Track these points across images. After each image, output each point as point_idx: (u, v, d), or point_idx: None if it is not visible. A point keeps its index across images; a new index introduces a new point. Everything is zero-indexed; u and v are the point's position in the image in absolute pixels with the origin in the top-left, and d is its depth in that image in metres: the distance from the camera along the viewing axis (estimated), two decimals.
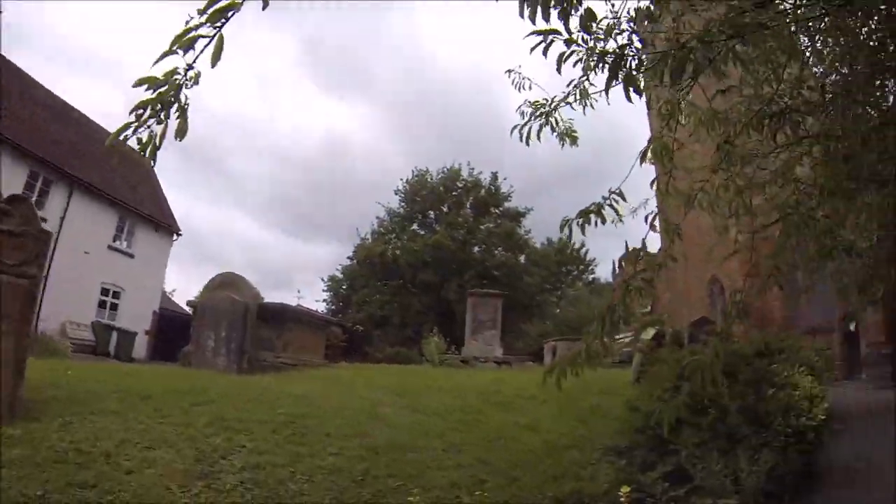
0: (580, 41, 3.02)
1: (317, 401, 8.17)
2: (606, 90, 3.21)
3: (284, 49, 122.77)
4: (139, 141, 2.06)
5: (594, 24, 2.90)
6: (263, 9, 1.92)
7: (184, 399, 7.42)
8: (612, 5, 3.77)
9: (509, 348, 24.05)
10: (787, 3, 4.09)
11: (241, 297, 12.65)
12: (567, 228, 3.45)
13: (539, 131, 4.09)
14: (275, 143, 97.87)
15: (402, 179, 40.40)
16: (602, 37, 3.29)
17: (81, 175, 23.83)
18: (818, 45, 5.24)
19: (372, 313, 34.79)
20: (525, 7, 2.67)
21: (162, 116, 2.03)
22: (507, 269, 36.52)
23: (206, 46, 1.93)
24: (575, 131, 4.57)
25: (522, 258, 39.56)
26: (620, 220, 3.67)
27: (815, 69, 5.08)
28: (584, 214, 3.38)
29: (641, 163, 3.45)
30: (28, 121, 22.61)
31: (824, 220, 4.39)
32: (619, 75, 3.01)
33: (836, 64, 5.18)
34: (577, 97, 3.97)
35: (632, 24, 3.45)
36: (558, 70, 3.00)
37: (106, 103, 76.26)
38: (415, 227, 39.65)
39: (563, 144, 4.58)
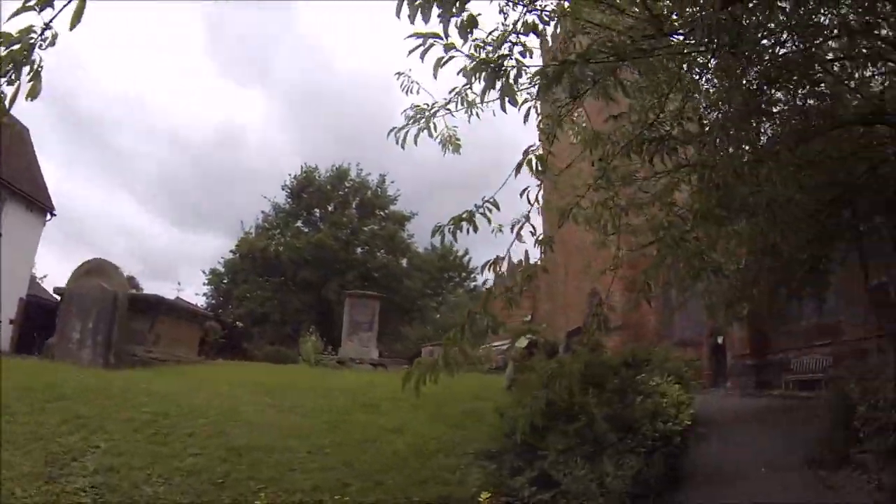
0: (461, 48, 2.92)
1: (183, 399, 7.79)
2: (482, 99, 3.15)
3: (190, 33, 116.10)
4: None
5: (474, 31, 2.80)
6: None
7: (36, 396, 6.85)
8: (505, 17, 3.75)
9: (388, 351, 24.12)
10: (677, 38, 4.24)
11: (111, 285, 11.75)
12: (439, 235, 3.40)
13: (417, 136, 3.99)
14: (170, 127, 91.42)
15: (290, 175, 39.72)
16: (483, 45, 3.21)
17: None
18: (703, 82, 5.52)
19: (252, 309, 34.10)
20: (403, 7, 2.54)
21: (13, 77, 1.92)
22: (389, 272, 36.65)
23: (65, 5, 1.81)
24: (458, 139, 4.56)
25: (404, 262, 39.81)
26: (500, 230, 3.65)
27: (700, 103, 5.31)
28: (457, 222, 3.35)
29: (517, 174, 3.43)
30: None
31: (695, 242, 4.59)
32: (497, 84, 2.94)
33: (718, 101, 5.47)
34: (460, 104, 3.90)
35: (520, 36, 3.39)
36: (434, 75, 2.89)
37: None
38: (299, 223, 39.02)
39: (445, 151, 4.58)
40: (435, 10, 2.60)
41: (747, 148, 7.35)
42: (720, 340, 20.90)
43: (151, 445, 5.95)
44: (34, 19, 1.84)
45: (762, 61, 5.94)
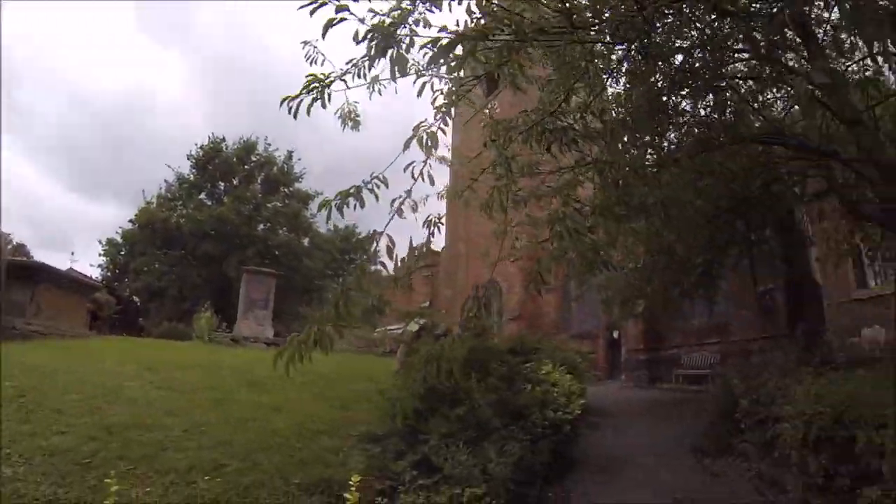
0: (354, 11, 2.75)
1: (56, 374, 7.28)
2: (370, 66, 3.00)
3: None
4: None
5: None
6: None
7: None
8: None
9: (286, 330, 23.73)
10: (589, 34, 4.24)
11: None
12: (326, 209, 3.26)
13: (310, 107, 3.79)
14: (75, 85, 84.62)
15: (196, 144, 37.63)
16: (380, 14, 3.04)
17: None
18: (610, 80, 5.60)
19: (149, 283, 32.35)
20: None
21: None
22: (290, 250, 35.62)
23: None
24: (358, 115, 4.45)
25: (306, 241, 38.67)
26: (409, 215, 3.56)
27: (606, 100, 5.38)
28: (344, 196, 3.23)
29: (404, 149, 3.33)
30: None
31: (590, 236, 4.64)
32: (389, 53, 2.80)
33: (624, 100, 5.57)
34: (358, 77, 3.72)
35: (421, 4, 3.25)
36: (323, 35, 2.73)
37: None
38: (203, 196, 37.17)
39: (344, 127, 4.46)
40: None
41: (649, 151, 7.61)
42: (616, 335, 21.81)
43: (13, 423, 5.50)
44: None
45: (670, 66, 6.11)
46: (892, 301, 16.52)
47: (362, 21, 2.86)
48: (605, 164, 4.98)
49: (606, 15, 4.23)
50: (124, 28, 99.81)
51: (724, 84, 9.07)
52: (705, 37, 6.70)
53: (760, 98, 10.30)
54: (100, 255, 36.39)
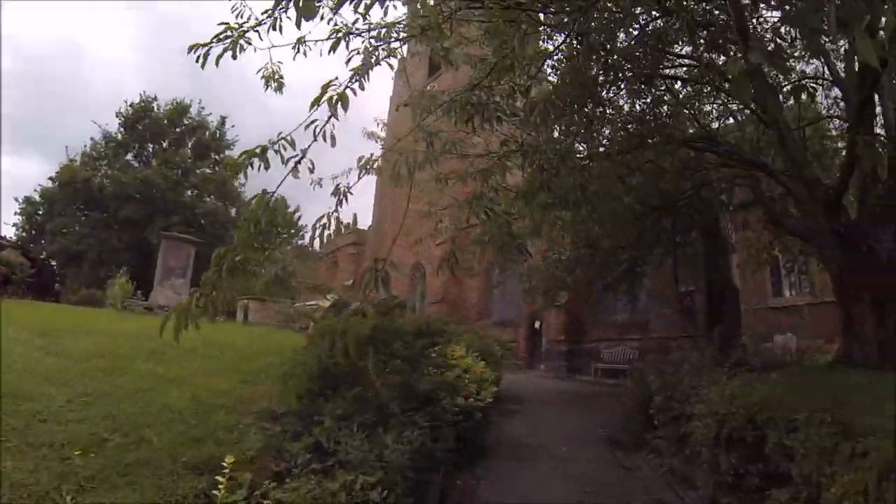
0: None
1: None
2: (274, 9, 2.73)
3: None
4: None
5: None
6: None
7: None
8: None
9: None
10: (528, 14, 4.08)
11: None
12: (233, 169, 3.07)
13: (220, 56, 3.55)
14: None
15: (126, 101, 35.73)
16: None
17: None
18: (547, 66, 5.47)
19: (67, 246, 30.82)
20: None
21: None
22: (216, 219, 34.43)
23: None
24: (282, 76, 4.31)
25: (234, 211, 37.20)
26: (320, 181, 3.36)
27: (536, 79, 5.24)
28: (250, 155, 3.07)
29: (311, 108, 3.09)
30: None
31: (507, 218, 4.50)
32: None
33: (557, 82, 5.45)
34: (274, 27, 3.45)
35: None
36: None
37: None
38: (129, 157, 35.47)
39: (267, 87, 4.36)
40: None
41: (581, 142, 7.58)
42: (538, 325, 22.13)
43: None
44: None
45: (607, 59, 6.03)
46: (804, 311, 17.56)
47: None
48: (531, 147, 4.84)
49: None
50: None
51: (661, 85, 9.19)
52: (647, 33, 6.69)
53: (697, 104, 10.53)
54: (15, 213, 34.25)
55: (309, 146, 3.05)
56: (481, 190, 4.15)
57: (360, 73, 3.31)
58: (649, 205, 10.44)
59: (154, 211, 31.80)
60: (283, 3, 2.80)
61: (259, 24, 3.62)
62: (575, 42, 5.23)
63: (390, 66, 3.62)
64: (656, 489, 6.72)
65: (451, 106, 3.96)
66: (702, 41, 7.44)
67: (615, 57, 6.04)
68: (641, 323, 19.24)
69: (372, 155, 3.57)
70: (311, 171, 3.19)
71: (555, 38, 5.85)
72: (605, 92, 6.80)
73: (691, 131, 10.17)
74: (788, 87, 9.36)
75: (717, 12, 6.31)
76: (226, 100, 77.82)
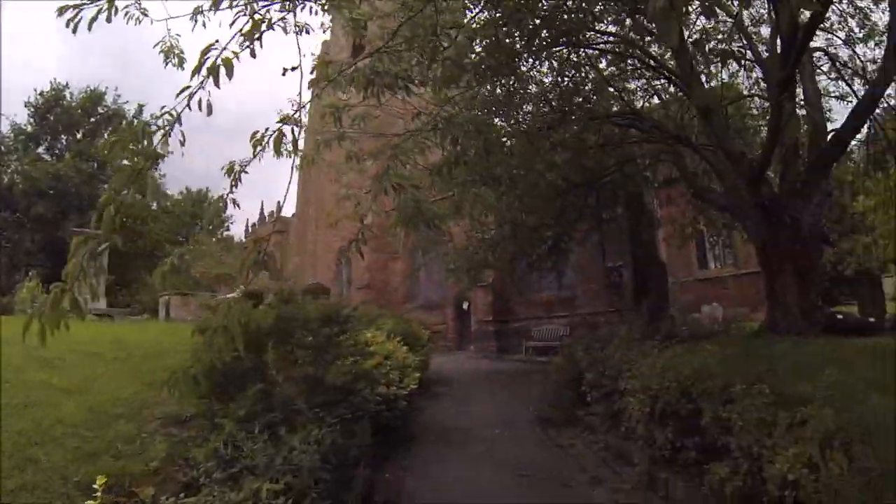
0: None
1: None
2: None
3: None
4: None
5: None
6: None
7: None
8: None
9: (132, 301, 21.74)
10: None
11: None
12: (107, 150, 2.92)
13: (93, 20, 3.19)
14: None
15: (35, 90, 32.83)
16: None
17: None
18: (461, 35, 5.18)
19: None
20: None
21: None
22: (135, 213, 32.92)
23: None
24: (182, 52, 3.98)
25: (154, 205, 35.46)
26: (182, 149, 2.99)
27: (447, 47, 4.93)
28: (130, 133, 2.89)
29: (192, 77, 2.74)
30: None
31: (414, 192, 4.19)
32: None
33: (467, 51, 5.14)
34: None
35: None
36: None
37: None
38: (41, 150, 33.02)
39: (166, 63, 4.04)
40: None
41: (502, 121, 7.34)
42: (466, 306, 22.08)
43: None
44: None
45: (531, 20, 5.76)
46: (729, 282, 18.33)
47: None
48: (444, 119, 4.55)
49: None
50: None
51: (585, 60, 9.11)
52: (571, 16, 6.48)
53: (621, 82, 10.55)
54: None
55: (179, 115, 2.67)
56: (388, 164, 3.85)
57: (249, 38, 2.94)
58: (572, 181, 10.38)
59: (68, 207, 29.41)
60: None
61: None
62: (495, 10, 4.96)
63: (284, 30, 3.27)
64: (592, 467, 6.64)
65: (353, 75, 3.65)
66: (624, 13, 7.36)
67: (536, 21, 5.78)
68: (569, 299, 19.45)
69: (267, 130, 3.18)
70: (182, 143, 2.81)
71: (472, 7, 5.54)
72: (526, 61, 6.59)
73: (615, 108, 10.19)
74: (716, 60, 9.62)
75: None
76: (152, 88, 73.28)
